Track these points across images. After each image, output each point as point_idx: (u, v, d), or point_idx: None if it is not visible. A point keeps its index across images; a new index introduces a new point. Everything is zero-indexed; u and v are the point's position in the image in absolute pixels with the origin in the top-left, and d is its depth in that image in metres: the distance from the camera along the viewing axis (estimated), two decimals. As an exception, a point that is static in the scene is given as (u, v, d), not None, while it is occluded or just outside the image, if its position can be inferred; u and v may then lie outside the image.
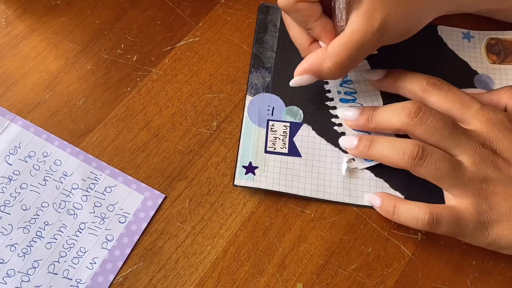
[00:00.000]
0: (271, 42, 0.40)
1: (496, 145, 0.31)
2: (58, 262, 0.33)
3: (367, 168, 0.35)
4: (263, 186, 0.34)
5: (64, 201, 0.34)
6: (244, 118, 0.37)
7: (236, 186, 0.35)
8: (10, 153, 0.36)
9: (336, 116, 0.37)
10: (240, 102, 0.38)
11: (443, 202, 0.33)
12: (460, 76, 0.38)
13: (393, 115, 0.33)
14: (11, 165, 0.35)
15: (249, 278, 0.33)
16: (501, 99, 0.34)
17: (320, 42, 0.34)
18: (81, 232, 0.34)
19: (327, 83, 0.38)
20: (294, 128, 0.37)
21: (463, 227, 0.30)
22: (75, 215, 0.34)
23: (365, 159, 0.35)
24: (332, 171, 0.35)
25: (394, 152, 0.32)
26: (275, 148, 0.36)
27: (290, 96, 0.38)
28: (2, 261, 0.33)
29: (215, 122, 0.37)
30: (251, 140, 0.36)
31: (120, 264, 0.33)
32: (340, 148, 0.36)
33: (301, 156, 0.36)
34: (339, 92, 0.38)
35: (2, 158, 0.35)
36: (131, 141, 0.36)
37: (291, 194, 0.34)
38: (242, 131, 0.36)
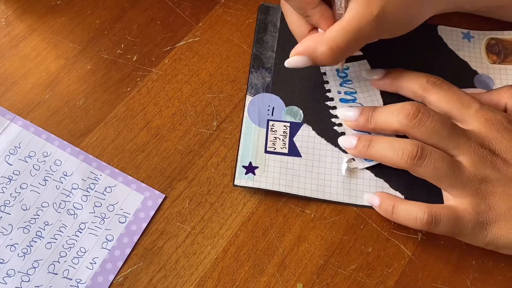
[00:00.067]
0: (271, 42, 0.40)
1: (494, 145, 0.31)
2: (58, 262, 0.33)
3: (367, 168, 0.35)
4: (263, 186, 0.34)
5: (64, 201, 0.34)
6: (244, 118, 0.37)
7: (236, 186, 0.35)
8: (10, 153, 0.36)
9: (336, 116, 0.37)
10: (240, 102, 0.38)
11: (442, 202, 0.33)
12: (460, 76, 0.38)
13: (391, 116, 0.33)
14: (11, 165, 0.35)
15: (249, 278, 0.33)
16: (501, 99, 0.34)
17: (318, 29, 0.34)
18: (81, 232, 0.34)
19: (327, 83, 0.38)
20: (294, 128, 0.37)
21: (462, 227, 0.30)
22: (75, 215, 0.34)
23: (365, 159, 0.35)
24: (332, 171, 0.35)
25: (393, 152, 0.32)
26: (275, 148, 0.36)
27: (290, 96, 0.38)
28: (2, 261, 0.33)
29: (215, 122, 0.37)
30: (251, 140, 0.36)
31: (120, 264, 0.33)
32: (340, 148, 0.36)
33: (301, 156, 0.36)
34: (339, 92, 0.38)
35: (2, 158, 0.35)
36: (131, 141, 0.37)
37: (291, 194, 0.34)
38: (242, 131, 0.36)
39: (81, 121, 0.37)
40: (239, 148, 0.36)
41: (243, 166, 0.35)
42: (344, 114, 0.36)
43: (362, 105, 0.37)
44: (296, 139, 0.36)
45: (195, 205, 0.35)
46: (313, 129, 0.36)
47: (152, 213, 0.34)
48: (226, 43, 0.40)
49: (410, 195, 0.34)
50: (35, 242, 0.33)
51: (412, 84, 0.34)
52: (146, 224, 0.34)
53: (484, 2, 0.37)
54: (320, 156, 0.36)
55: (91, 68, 0.39)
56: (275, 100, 0.37)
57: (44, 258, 0.33)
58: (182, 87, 0.38)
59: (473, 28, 0.40)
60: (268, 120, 0.37)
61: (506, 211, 0.30)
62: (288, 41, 0.39)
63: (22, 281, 0.32)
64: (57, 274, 0.33)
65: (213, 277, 0.33)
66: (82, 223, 0.34)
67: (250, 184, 0.34)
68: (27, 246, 0.33)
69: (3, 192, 0.35)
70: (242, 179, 0.35)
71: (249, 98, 0.38)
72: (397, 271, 0.33)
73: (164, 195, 0.35)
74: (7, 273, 0.32)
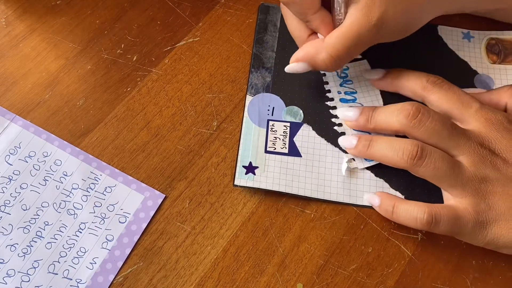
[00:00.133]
0: (271, 42, 0.40)
1: (494, 145, 0.31)
2: (58, 262, 0.33)
3: (367, 168, 0.35)
4: (263, 186, 0.34)
5: (64, 201, 0.34)
6: (244, 118, 0.37)
7: (236, 186, 0.35)
8: (10, 153, 0.36)
9: (336, 116, 0.37)
10: (240, 102, 0.38)
11: (442, 202, 0.33)
12: (460, 76, 0.38)
13: (391, 116, 0.33)
14: (11, 165, 0.35)
15: (249, 278, 0.33)
16: (501, 99, 0.34)
17: (318, 34, 0.34)
18: (81, 232, 0.34)
19: (327, 83, 0.38)
20: (294, 128, 0.37)
21: (462, 226, 0.30)
22: (75, 215, 0.34)
23: (365, 159, 0.35)
24: (332, 171, 0.35)
25: (393, 152, 0.32)
26: (275, 148, 0.36)
27: (290, 96, 0.38)
28: (2, 261, 0.33)
29: (215, 122, 0.37)
30: (251, 140, 0.36)
31: (120, 264, 0.33)
32: (340, 148, 0.36)
33: (301, 156, 0.36)
34: (339, 92, 0.38)
35: (2, 158, 0.35)
36: (131, 141, 0.36)
37: (291, 194, 0.34)
38: (242, 131, 0.36)
39: (81, 121, 0.37)
40: (239, 148, 0.36)
41: (243, 166, 0.35)
42: (344, 114, 0.36)
43: (362, 105, 0.37)
44: (296, 139, 0.36)
45: (195, 205, 0.35)
46: (313, 129, 0.36)
47: (152, 213, 0.34)
48: (226, 43, 0.40)
49: (410, 195, 0.34)
50: (35, 242, 0.33)
51: (412, 83, 0.34)
52: (146, 224, 0.34)
53: (484, 6, 0.37)
54: (320, 156, 0.36)
55: (91, 68, 0.39)
56: (275, 100, 0.37)
57: (44, 258, 0.33)
58: (182, 87, 0.38)
59: (473, 28, 0.40)
60: (268, 120, 0.37)
61: (506, 211, 0.30)
62: (288, 41, 0.39)
63: (22, 281, 0.32)
64: (57, 274, 0.33)
65: (213, 277, 0.33)
66: (82, 223, 0.34)
67: (250, 184, 0.34)
68: (27, 246, 0.33)
69: (3, 192, 0.35)
70: (242, 179, 0.35)
71: (249, 98, 0.38)
72: (397, 271, 0.33)
73: (164, 195, 0.35)
74: (7, 273, 0.32)
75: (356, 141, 0.34)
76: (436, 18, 0.35)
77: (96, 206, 0.34)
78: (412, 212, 0.31)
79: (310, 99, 0.37)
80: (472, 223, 0.30)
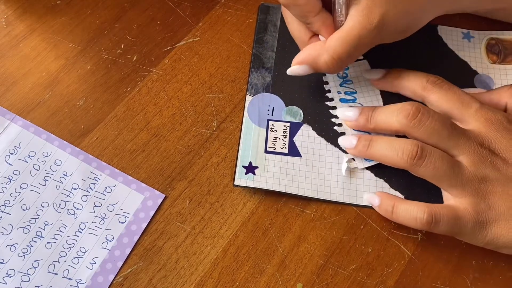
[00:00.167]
0: (271, 42, 0.40)
1: (494, 145, 0.31)
2: (58, 262, 0.33)
3: (367, 168, 0.35)
4: (263, 186, 0.34)
5: (64, 201, 0.34)
6: (244, 118, 0.37)
7: (236, 186, 0.35)
8: (10, 153, 0.36)
9: (336, 116, 0.37)
10: (240, 102, 0.38)
11: (442, 202, 0.33)
12: (460, 76, 0.38)
13: (391, 116, 0.33)
14: (11, 165, 0.35)
15: (249, 278, 0.33)
16: (501, 98, 0.34)
17: (319, 36, 0.34)
18: (81, 232, 0.34)
19: (327, 83, 0.38)
20: (294, 128, 0.37)
21: (462, 226, 0.30)
22: (75, 215, 0.34)
23: (365, 159, 0.35)
24: (332, 171, 0.35)
25: (393, 152, 0.32)
26: (275, 148, 0.36)
27: (290, 96, 0.38)
28: (2, 261, 0.33)
29: (215, 122, 0.37)
30: (251, 140, 0.36)
31: (120, 264, 0.33)
32: (340, 148, 0.36)
33: (301, 156, 0.36)
34: (339, 92, 0.38)
35: (2, 158, 0.35)
36: (131, 141, 0.37)
37: (291, 194, 0.34)
38: (242, 131, 0.36)
39: (81, 121, 0.37)
40: (239, 148, 0.36)
41: (243, 166, 0.35)
42: (344, 114, 0.36)
43: (362, 105, 0.37)
44: (296, 139, 0.36)
45: (195, 205, 0.35)
46: (313, 129, 0.36)
47: (152, 213, 0.34)
48: (226, 43, 0.40)
49: (410, 195, 0.34)
50: (35, 242, 0.33)
51: (412, 83, 0.34)
52: (146, 224, 0.34)
53: (484, 5, 0.37)
54: (320, 156, 0.36)
55: (91, 68, 0.39)
56: (275, 100, 0.37)
57: (44, 258, 0.33)
58: (182, 87, 0.38)
59: (473, 28, 0.40)
60: (268, 120, 0.37)
61: (505, 211, 0.30)
62: (288, 41, 0.39)
63: (22, 281, 0.32)
64: (57, 274, 0.33)
65: (213, 277, 0.33)
66: (82, 223, 0.34)
67: (250, 184, 0.34)
68: (27, 246, 0.33)
69: (3, 192, 0.35)
70: (242, 179, 0.35)
71: (249, 98, 0.38)
72: (397, 271, 0.33)
73: (164, 195, 0.35)
74: (7, 273, 0.32)
75: (356, 141, 0.34)
76: (436, 18, 0.35)
77: (96, 206, 0.34)
78: (412, 212, 0.31)
79: (310, 99, 0.37)
80: (472, 223, 0.30)
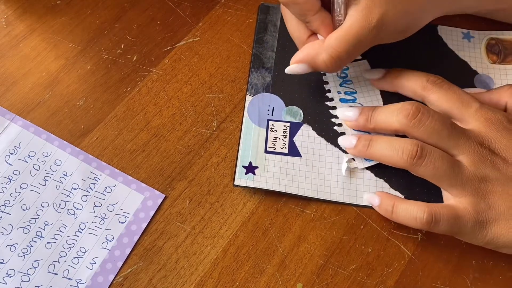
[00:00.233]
0: (271, 42, 0.40)
1: (494, 144, 0.31)
2: (58, 262, 0.33)
3: (367, 168, 0.35)
4: (263, 186, 0.34)
5: (64, 201, 0.34)
6: (244, 118, 0.37)
7: (236, 186, 0.35)
8: (10, 153, 0.36)
9: (336, 116, 0.37)
10: (240, 102, 0.38)
11: (442, 202, 0.33)
12: (460, 76, 0.38)
13: (391, 116, 0.33)
14: (11, 165, 0.35)
15: (249, 278, 0.33)
16: (501, 98, 0.34)
17: (318, 35, 0.34)
18: (81, 232, 0.34)
19: (327, 83, 0.38)
20: (294, 128, 0.37)
21: (462, 226, 0.30)
22: (75, 215, 0.34)
23: (365, 159, 0.35)
24: (332, 171, 0.35)
25: (393, 152, 0.32)
26: (275, 148, 0.36)
27: (290, 96, 0.38)
28: (2, 261, 0.33)
29: (215, 122, 0.37)
30: (251, 140, 0.36)
31: (120, 264, 0.33)
32: (340, 148, 0.36)
33: (301, 156, 0.36)
34: (339, 92, 0.38)
35: (2, 158, 0.35)
36: (131, 141, 0.37)
37: (291, 194, 0.34)
38: (242, 131, 0.36)
39: (81, 121, 0.37)
40: (239, 148, 0.36)
41: (243, 166, 0.35)
42: (344, 114, 0.36)
43: (362, 105, 0.37)
44: (296, 139, 0.36)
45: (195, 205, 0.35)
46: (313, 129, 0.36)
47: (152, 213, 0.34)
48: (226, 43, 0.40)
49: (410, 195, 0.34)
50: (35, 242, 0.33)
51: (412, 83, 0.34)
52: (146, 224, 0.34)
53: (484, 6, 0.37)
54: (320, 156, 0.36)
55: (91, 68, 0.39)
56: (275, 100, 0.37)
57: (44, 258, 0.33)
58: (182, 87, 0.38)
59: (473, 28, 0.40)
60: (268, 120, 0.37)
61: (505, 210, 0.30)
62: (288, 41, 0.39)
63: (22, 281, 0.32)
64: (57, 274, 0.33)
65: (213, 277, 0.33)
66: (82, 223, 0.34)
67: (250, 184, 0.34)
68: (27, 246, 0.33)
69: (3, 192, 0.35)
70: (242, 179, 0.35)
71: (249, 98, 0.38)
72: (397, 271, 0.33)
73: (164, 195, 0.35)
74: (7, 273, 0.32)
75: (355, 141, 0.34)
76: (436, 18, 0.35)
77: (96, 206, 0.34)
78: (412, 212, 0.31)
79: (310, 99, 0.37)
80: (471, 223, 0.30)
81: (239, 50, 0.40)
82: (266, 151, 0.36)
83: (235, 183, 0.34)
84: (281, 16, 0.40)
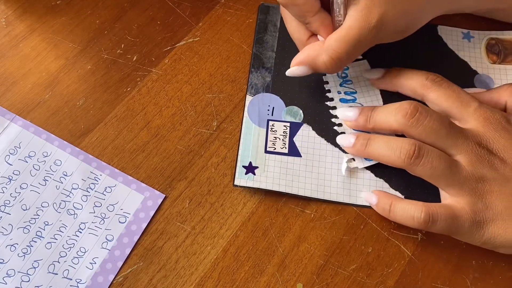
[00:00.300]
0: (271, 42, 0.40)
1: (492, 144, 0.31)
2: (58, 262, 0.33)
3: (367, 168, 0.35)
4: (263, 186, 0.34)
5: (64, 201, 0.34)
6: (244, 118, 0.37)
7: (236, 186, 0.35)
8: (10, 153, 0.36)
9: (336, 116, 0.37)
10: (240, 102, 0.38)
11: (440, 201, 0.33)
12: (460, 76, 0.38)
13: (390, 116, 0.33)
14: (11, 165, 0.35)
15: (249, 278, 0.33)
16: (501, 97, 0.34)
17: (318, 36, 0.34)
18: (81, 232, 0.34)
19: (327, 83, 0.38)
20: (294, 128, 0.37)
21: (459, 225, 0.30)
22: (75, 215, 0.34)
23: (365, 159, 0.35)
24: (332, 171, 0.35)
25: (390, 151, 0.32)
26: (275, 148, 0.36)
27: (290, 96, 0.38)
28: (2, 261, 0.33)
29: (215, 122, 0.37)
30: (251, 140, 0.36)
31: (120, 264, 0.33)
32: (340, 148, 0.36)
33: (301, 156, 0.36)
34: (339, 92, 0.38)
35: (2, 158, 0.35)
36: (131, 141, 0.37)
37: (291, 194, 0.34)
38: (242, 131, 0.36)
39: (81, 121, 0.37)
40: (239, 148, 0.36)
41: (243, 166, 0.35)
42: (344, 114, 0.36)
43: (362, 105, 0.37)
44: (296, 139, 0.36)
45: (195, 205, 0.35)
46: (313, 129, 0.36)
47: (152, 213, 0.34)
48: (226, 43, 0.40)
49: (410, 195, 0.34)
50: (35, 242, 0.33)
51: (412, 82, 0.34)
52: (146, 224, 0.34)
53: (484, 5, 0.37)
54: (320, 156, 0.36)
55: (91, 68, 0.39)
56: (275, 100, 0.37)
57: (44, 258, 0.33)
58: (182, 87, 0.38)
59: (473, 28, 0.40)
60: (268, 120, 0.37)
61: (503, 210, 0.30)
62: (288, 41, 0.39)
63: (22, 281, 0.32)
64: (57, 274, 0.33)
65: (213, 277, 0.33)
66: (82, 223, 0.34)
67: (250, 184, 0.34)
68: (27, 246, 0.33)
69: (3, 192, 0.35)
70: (242, 179, 0.35)
71: (249, 98, 0.38)
72: (397, 271, 0.33)
73: (164, 195, 0.35)
74: (7, 273, 0.32)
75: (354, 140, 0.34)
76: (436, 18, 0.35)
77: (96, 206, 0.34)
78: (409, 211, 0.31)
79: (310, 99, 0.37)
80: (469, 223, 0.30)
81: (239, 50, 0.40)
82: (266, 151, 0.36)
83: (235, 183, 0.35)
84: (281, 16, 0.40)
